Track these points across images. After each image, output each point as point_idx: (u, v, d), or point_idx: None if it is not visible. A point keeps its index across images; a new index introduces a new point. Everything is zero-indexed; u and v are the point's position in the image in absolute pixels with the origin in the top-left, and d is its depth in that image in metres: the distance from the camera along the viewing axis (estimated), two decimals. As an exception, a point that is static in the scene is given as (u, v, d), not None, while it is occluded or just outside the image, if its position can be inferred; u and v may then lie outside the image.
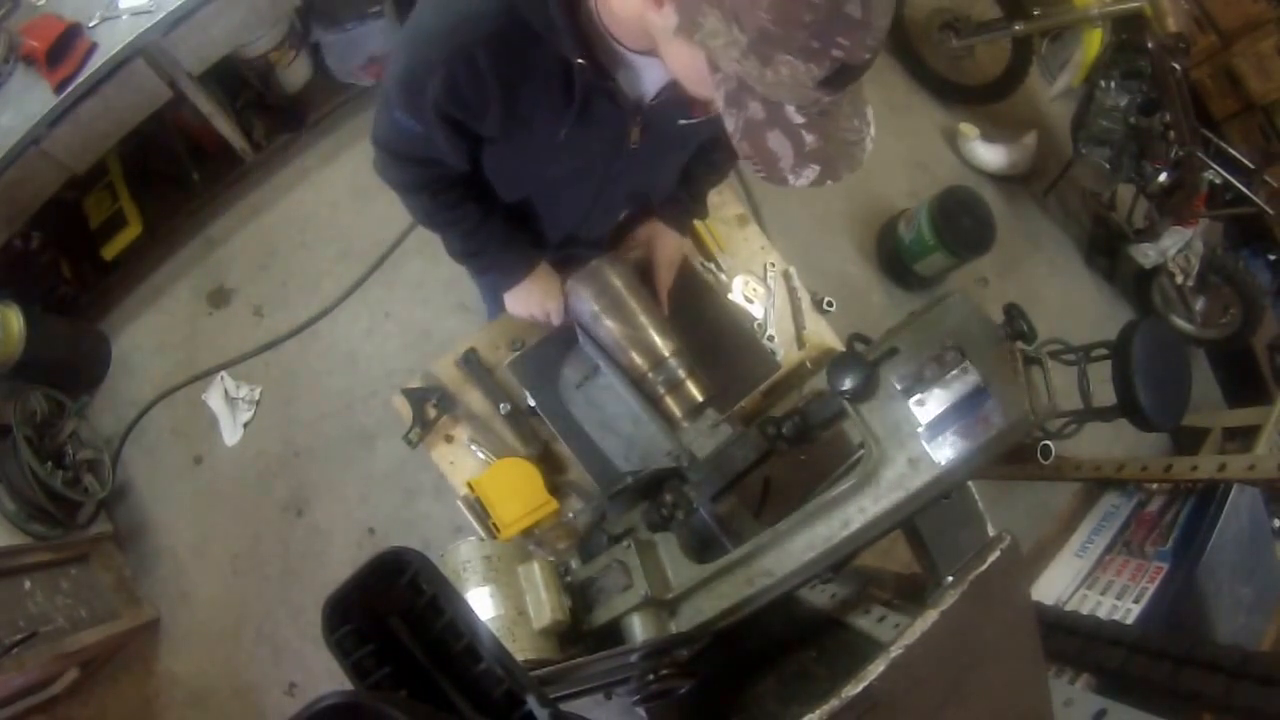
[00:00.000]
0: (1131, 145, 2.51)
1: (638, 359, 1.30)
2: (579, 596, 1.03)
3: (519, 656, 0.88)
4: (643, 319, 1.32)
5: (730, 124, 0.75)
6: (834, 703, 0.65)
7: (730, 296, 1.58)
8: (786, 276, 1.62)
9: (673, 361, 1.30)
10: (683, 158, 1.32)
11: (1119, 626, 1.44)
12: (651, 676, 0.93)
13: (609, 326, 1.32)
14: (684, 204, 1.42)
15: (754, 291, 1.59)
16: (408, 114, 1.02)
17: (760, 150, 0.76)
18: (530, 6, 0.87)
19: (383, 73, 1.00)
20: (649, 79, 0.99)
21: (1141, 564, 1.91)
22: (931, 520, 0.95)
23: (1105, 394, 2.14)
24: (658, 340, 1.31)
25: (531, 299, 1.39)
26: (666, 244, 1.43)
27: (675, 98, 0.94)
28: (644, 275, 1.42)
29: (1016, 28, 2.65)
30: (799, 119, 0.74)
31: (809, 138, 0.74)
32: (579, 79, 0.94)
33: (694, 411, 1.27)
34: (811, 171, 0.76)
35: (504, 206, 1.27)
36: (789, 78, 0.68)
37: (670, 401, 1.29)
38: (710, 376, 1.34)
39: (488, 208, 1.25)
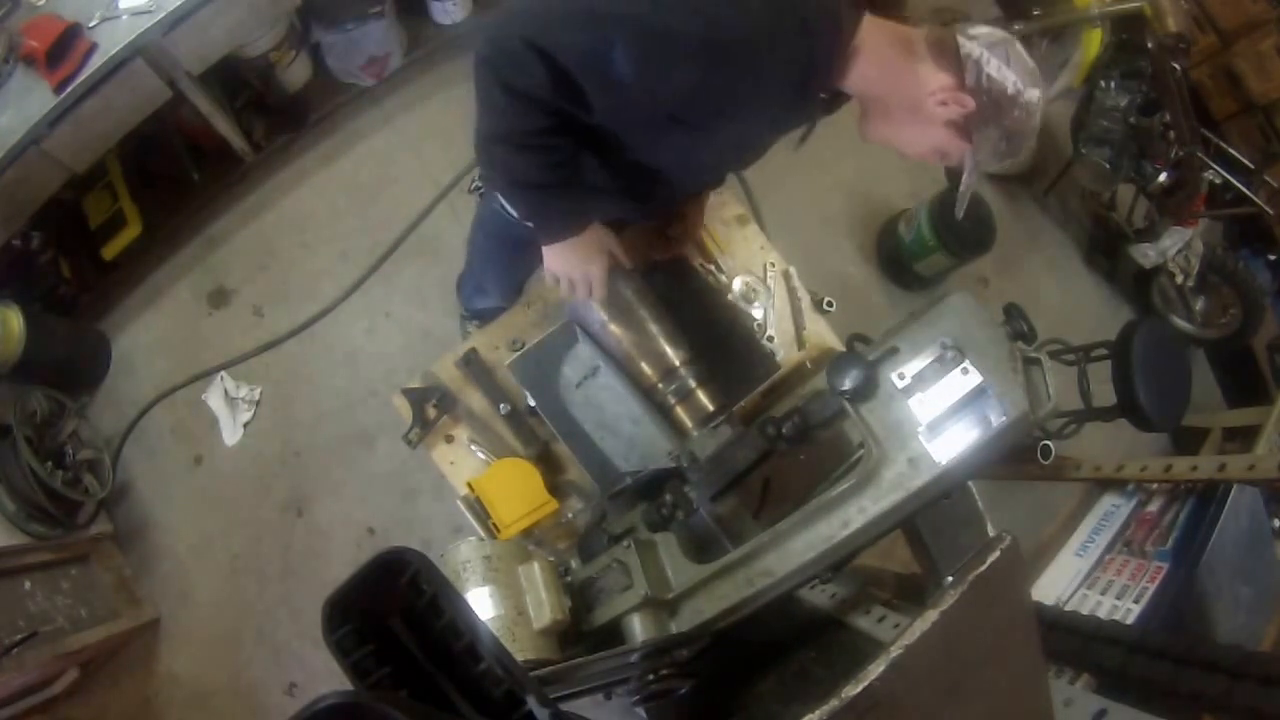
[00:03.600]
0: (1131, 145, 2.51)
1: (647, 368, 1.29)
2: (579, 596, 1.03)
3: (519, 656, 0.88)
4: (652, 327, 1.31)
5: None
6: (834, 703, 0.65)
7: (730, 297, 1.57)
8: (786, 276, 1.62)
9: (683, 371, 1.28)
10: None
11: (1119, 626, 1.44)
12: (651, 676, 0.93)
13: (618, 335, 1.31)
14: None
15: (754, 291, 1.59)
16: (639, 79, 0.98)
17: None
18: (800, 42, 0.99)
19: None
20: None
21: (1141, 564, 1.91)
22: (931, 520, 0.95)
23: (1105, 394, 2.14)
24: (668, 349, 1.30)
25: (575, 256, 1.23)
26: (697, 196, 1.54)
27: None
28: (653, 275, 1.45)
29: (1016, 28, 2.64)
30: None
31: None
32: (811, 94, 1.09)
33: (705, 421, 1.26)
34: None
35: (610, 164, 1.18)
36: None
37: (681, 411, 1.28)
38: (715, 380, 1.33)
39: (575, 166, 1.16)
